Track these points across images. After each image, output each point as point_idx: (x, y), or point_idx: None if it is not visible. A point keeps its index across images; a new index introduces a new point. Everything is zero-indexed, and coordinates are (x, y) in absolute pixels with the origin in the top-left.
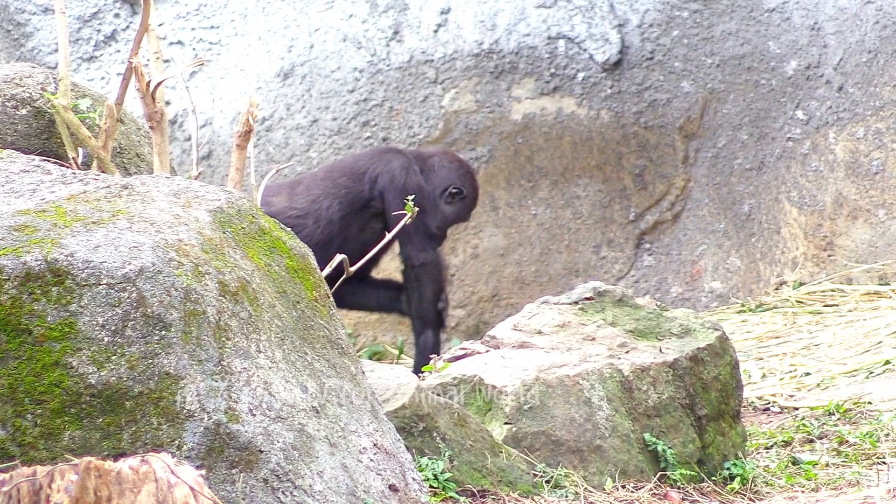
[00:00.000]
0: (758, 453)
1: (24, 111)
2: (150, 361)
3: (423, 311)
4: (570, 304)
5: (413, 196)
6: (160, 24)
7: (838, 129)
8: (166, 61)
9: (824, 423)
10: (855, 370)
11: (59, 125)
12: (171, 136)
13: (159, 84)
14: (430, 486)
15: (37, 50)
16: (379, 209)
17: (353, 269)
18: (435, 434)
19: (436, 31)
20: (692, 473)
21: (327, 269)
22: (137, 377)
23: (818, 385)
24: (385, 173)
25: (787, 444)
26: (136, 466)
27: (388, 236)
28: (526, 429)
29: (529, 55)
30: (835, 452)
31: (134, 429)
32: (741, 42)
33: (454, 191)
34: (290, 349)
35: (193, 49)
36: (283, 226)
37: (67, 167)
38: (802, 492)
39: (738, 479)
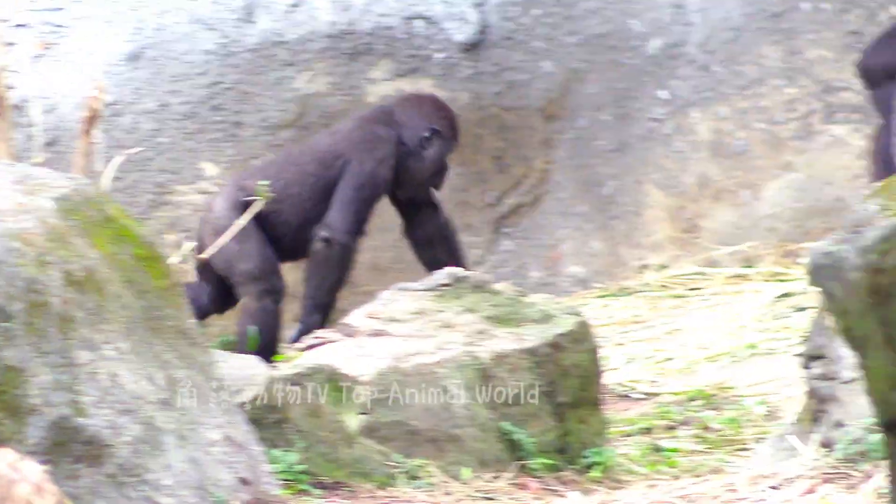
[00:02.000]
0: (619, 441)
1: None
2: None
3: (321, 296)
4: (426, 290)
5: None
6: (2, 5)
7: (702, 108)
8: (9, 44)
9: (687, 410)
10: (718, 355)
11: None
12: (14, 122)
13: (1, 68)
14: (283, 479)
15: None
16: None
17: (202, 256)
18: (287, 425)
19: (289, 12)
20: (552, 462)
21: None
22: None
23: (681, 371)
24: (356, 159)
25: (648, 430)
26: None
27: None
28: (381, 419)
29: (386, 36)
30: (697, 439)
31: None
32: (603, 20)
33: (426, 135)
34: (137, 340)
35: (38, 32)
36: (129, 213)
37: None
38: (664, 479)
39: (598, 467)
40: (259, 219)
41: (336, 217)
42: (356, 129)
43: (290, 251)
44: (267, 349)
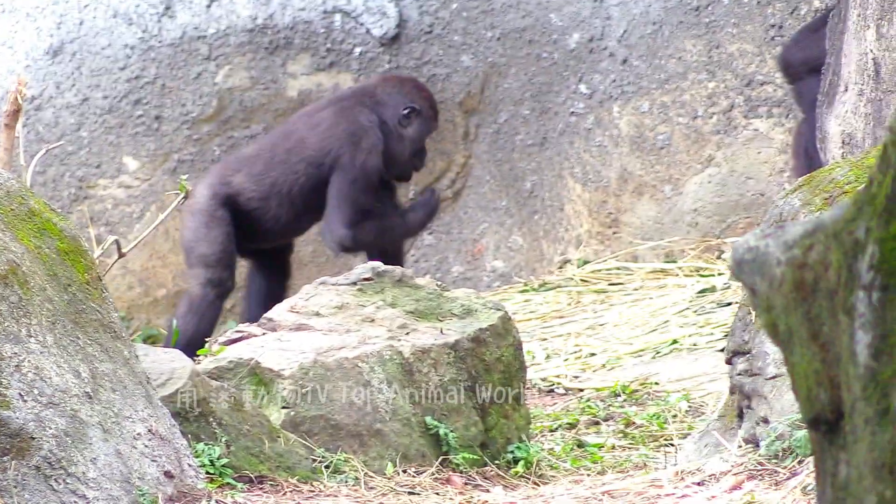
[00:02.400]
0: (542, 436)
1: None
2: None
3: None
4: (348, 284)
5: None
6: None
7: (622, 102)
8: None
9: (610, 405)
10: (641, 350)
11: None
12: None
13: None
14: (207, 473)
15: None
16: None
17: (125, 251)
18: (211, 419)
19: (209, 7)
20: (475, 457)
21: (98, 251)
22: None
23: (604, 366)
24: (346, 157)
25: (572, 426)
26: None
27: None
28: (304, 413)
29: (305, 30)
30: (621, 434)
31: None
32: (522, 14)
33: (405, 112)
34: (61, 333)
35: None
36: (52, 207)
37: None
38: (588, 475)
39: (522, 462)
40: (242, 213)
41: (336, 218)
42: (341, 119)
43: (275, 241)
44: (196, 340)
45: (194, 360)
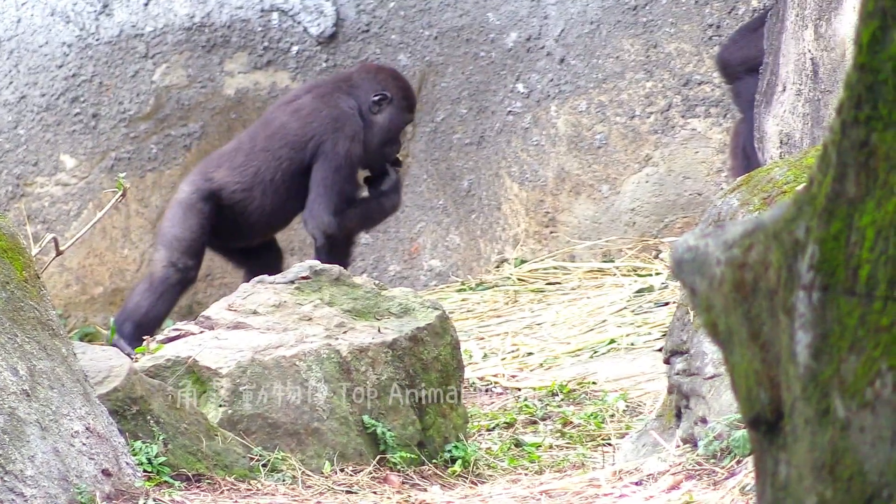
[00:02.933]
0: (480, 435)
1: None
2: None
3: None
4: (285, 283)
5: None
6: None
7: (560, 102)
8: None
9: (548, 404)
10: (579, 350)
11: None
12: None
13: None
14: (144, 471)
15: None
16: None
17: (63, 249)
18: (149, 417)
19: (146, 5)
20: (413, 456)
21: (36, 249)
22: None
23: (541, 365)
24: (328, 143)
25: (509, 425)
26: None
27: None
28: (242, 411)
29: (242, 28)
30: (559, 434)
31: None
32: (460, 13)
33: (375, 98)
34: None
35: None
36: None
37: None
38: (526, 474)
39: (459, 461)
40: (226, 208)
41: (320, 206)
42: (321, 105)
43: (262, 233)
44: (147, 321)
45: (144, 341)
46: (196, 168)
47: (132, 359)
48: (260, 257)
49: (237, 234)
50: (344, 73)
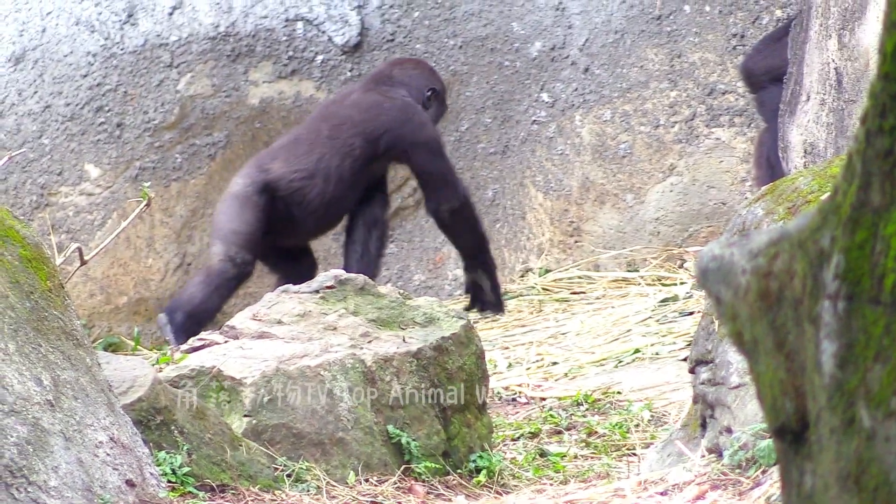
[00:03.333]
0: (504, 445)
1: None
2: None
3: (477, 250)
4: (310, 292)
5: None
6: None
7: (584, 111)
8: None
9: (573, 414)
10: (604, 359)
11: None
12: None
13: None
14: (168, 481)
15: None
16: (386, 163)
17: (87, 258)
18: (173, 427)
19: (171, 14)
20: (437, 466)
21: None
22: None
23: (566, 375)
24: (409, 134)
25: (534, 435)
26: None
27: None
28: (266, 421)
29: (267, 38)
30: (584, 444)
31: None
32: (484, 23)
33: (429, 93)
34: (23, 341)
35: None
36: (15, 214)
37: None
38: (551, 484)
39: (484, 471)
40: (281, 200)
41: (441, 190)
42: (380, 98)
43: (316, 227)
44: (200, 312)
45: (194, 332)
46: (249, 162)
47: (175, 348)
48: (296, 264)
49: (290, 229)
50: (381, 70)
